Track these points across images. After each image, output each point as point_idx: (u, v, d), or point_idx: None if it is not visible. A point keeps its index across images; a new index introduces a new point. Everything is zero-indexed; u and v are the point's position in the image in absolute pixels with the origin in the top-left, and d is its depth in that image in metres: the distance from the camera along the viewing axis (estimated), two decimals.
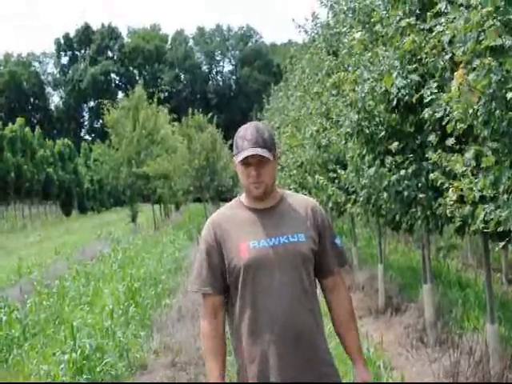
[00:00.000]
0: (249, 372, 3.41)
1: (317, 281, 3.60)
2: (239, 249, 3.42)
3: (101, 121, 69.09)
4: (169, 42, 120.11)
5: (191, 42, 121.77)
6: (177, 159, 34.00)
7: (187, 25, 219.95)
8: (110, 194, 70.16)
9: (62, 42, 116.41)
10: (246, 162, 3.42)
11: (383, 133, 7.44)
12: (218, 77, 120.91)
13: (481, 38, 4.41)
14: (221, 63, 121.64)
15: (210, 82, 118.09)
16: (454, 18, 4.92)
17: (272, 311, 3.37)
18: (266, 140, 3.45)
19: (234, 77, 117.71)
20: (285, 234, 3.45)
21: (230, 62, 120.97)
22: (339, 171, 10.65)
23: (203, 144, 36.56)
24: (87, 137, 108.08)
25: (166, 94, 52.59)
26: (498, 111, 4.40)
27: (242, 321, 3.43)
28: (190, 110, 40.39)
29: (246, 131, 3.47)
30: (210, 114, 39.96)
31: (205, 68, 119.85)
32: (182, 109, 47.63)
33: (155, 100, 34.28)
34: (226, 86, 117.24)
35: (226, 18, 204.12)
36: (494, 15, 4.26)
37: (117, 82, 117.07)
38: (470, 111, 4.70)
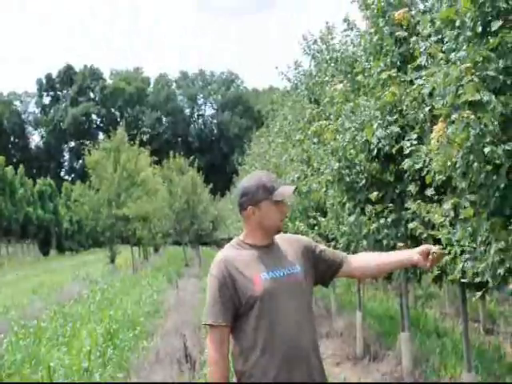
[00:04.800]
0: None
1: (341, 271, 4.06)
2: (253, 281, 3.71)
3: (81, 161, 68.99)
4: (151, 85, 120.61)
5: (174, 86, 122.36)
6: (157, 202, 33.95)
7: (170, 69, 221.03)
8: (88, 234, 69.76)
9: (44, 81, 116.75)
10: (282, 200, 3.83)
11: (363, 181, 7.55)
12: (200, 120, 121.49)
13: (459, 92, 4.51)
14: (202, 107, 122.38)
15: (192, 126, 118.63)
16: (434, 72, 5.03)
17: (285, 334, 3.68)
18: None
19: (215, 121, 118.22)
20: (285, 266, 3.81)
21: (212, 106, 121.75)
22: (319, 218, 10.74)
23: (184, 187, 36.65)
24: (67, 177, 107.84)
25: (148, 136, 52.61)
26: (475, 164, 4.49)
27: (255, 344, 3.69)
28: (172, 153, 40.52)
29: (267, 176, 3.92)
30: (191, 158, 40.08)
31: (187, 111, 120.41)
32: (164, 151, 47.66)
33: (137, 142, 34.21)
34: (207, 130, 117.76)
35: (209, 63, 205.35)
36: (473, 71, 4.38)
37: (98, 123, 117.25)
38: (449, 163, 4.79)
